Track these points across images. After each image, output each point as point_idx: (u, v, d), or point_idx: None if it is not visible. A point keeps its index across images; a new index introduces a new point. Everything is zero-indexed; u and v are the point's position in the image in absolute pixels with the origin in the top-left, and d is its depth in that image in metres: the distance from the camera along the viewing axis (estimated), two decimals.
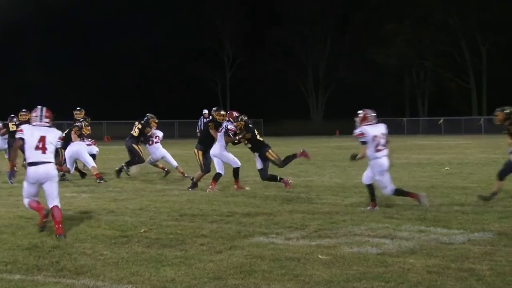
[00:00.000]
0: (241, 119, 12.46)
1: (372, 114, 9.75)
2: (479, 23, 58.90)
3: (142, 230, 7.86)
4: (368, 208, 9.49)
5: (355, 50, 61.34)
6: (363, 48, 60.34)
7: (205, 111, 24.28)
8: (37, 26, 54.96)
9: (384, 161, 9.52)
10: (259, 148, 12.32)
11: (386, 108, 61.78)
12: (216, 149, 12.48)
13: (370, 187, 9.63)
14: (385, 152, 9.56)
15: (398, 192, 9.68)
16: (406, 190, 9.88)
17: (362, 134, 9.54)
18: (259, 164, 12.39)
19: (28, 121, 16.35)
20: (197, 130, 25.85)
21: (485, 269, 5.79)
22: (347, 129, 59.86)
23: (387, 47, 60.93)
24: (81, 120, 17.43)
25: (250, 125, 12.56)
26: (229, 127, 12.37)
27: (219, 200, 10.71)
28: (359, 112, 9.87)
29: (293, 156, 12.70)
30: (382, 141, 9.55)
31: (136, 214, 9.33)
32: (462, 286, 5.29)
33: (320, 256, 6.32)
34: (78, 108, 18.31)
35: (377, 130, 9.60)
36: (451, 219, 8.43)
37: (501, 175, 10.16)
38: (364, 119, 9.70)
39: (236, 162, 12.51)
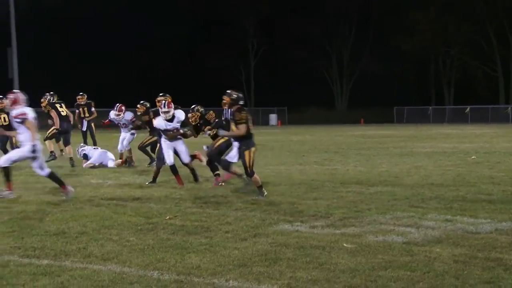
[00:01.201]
0: (197, 110, 11.63)
1: (23, 97, 9.65)
2: (506, 9, 57.98)
3: (167, 217, 7.91)
4: (6, 193, 9.61)
5: (380, 38, 60.84)
6: (387, 36, 59.81)
7: None
8: (36, 25, 55.08)
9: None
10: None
11: (412, 97, 61.37)
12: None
13: (7, 169, 9.63)
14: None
15: (52, 176, 9.61)
16: (61, 179, 9.79)
17: (24, 113, 9.39)
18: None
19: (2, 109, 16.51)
20: (222, 118, 25.96)
21: None
22: (372, 117, 59.49)
23: (412, 35, 60.31)
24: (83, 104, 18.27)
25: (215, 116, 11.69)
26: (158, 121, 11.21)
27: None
28: (13, 92, 9.79)
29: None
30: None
31: (161, 201, 9.40)
32: (489, 275, 5.24)
33: (345, 245, 6.31)
34: (80, 93, 18.67)
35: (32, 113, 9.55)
36: (477, 208, 8.35)
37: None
38: (15, 102, 9.58)
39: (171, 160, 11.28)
